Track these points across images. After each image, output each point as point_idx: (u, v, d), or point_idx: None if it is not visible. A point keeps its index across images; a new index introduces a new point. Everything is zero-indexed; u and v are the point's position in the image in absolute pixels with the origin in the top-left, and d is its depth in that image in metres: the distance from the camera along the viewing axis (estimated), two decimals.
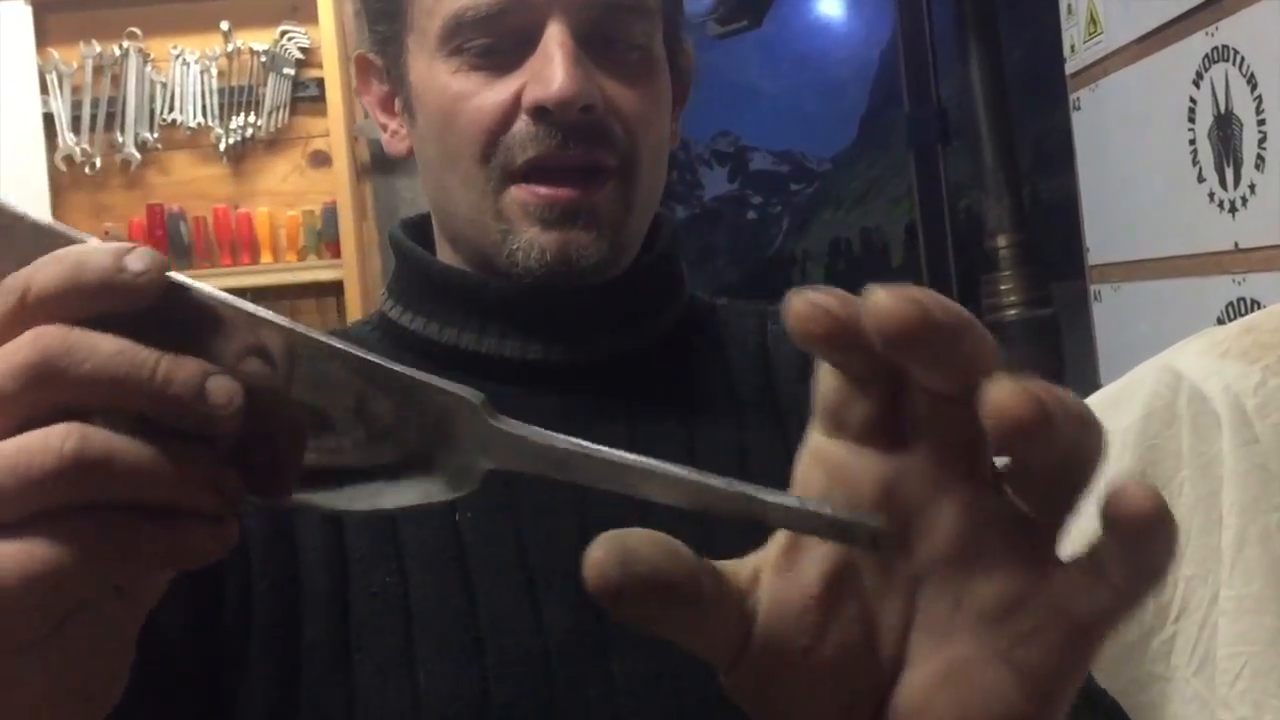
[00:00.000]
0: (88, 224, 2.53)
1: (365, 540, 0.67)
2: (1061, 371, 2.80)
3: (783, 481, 0.68)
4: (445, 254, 0.76)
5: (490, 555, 0.67)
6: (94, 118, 2.52)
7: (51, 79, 2.50)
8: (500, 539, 0.67)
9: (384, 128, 0.77)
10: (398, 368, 0.36)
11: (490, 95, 0.67)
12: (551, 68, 0.65)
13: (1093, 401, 1.16)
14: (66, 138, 2.51)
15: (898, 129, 4.94)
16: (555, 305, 0.71)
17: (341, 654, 0.64)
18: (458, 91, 0.68)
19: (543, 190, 0.67)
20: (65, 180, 2.54)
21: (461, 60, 0.68)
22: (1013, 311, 2.78)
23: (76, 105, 2.52)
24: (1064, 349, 2.82)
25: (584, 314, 0.72)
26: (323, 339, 0.34)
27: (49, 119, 2.50)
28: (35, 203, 2.47)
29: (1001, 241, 2.81)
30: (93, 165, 2.53)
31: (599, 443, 0.64)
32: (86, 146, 2.52)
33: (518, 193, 0.68)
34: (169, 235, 2.54)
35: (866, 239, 5.19)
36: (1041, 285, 2.83)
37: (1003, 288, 2.78)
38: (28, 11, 2.46)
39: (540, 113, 0.66)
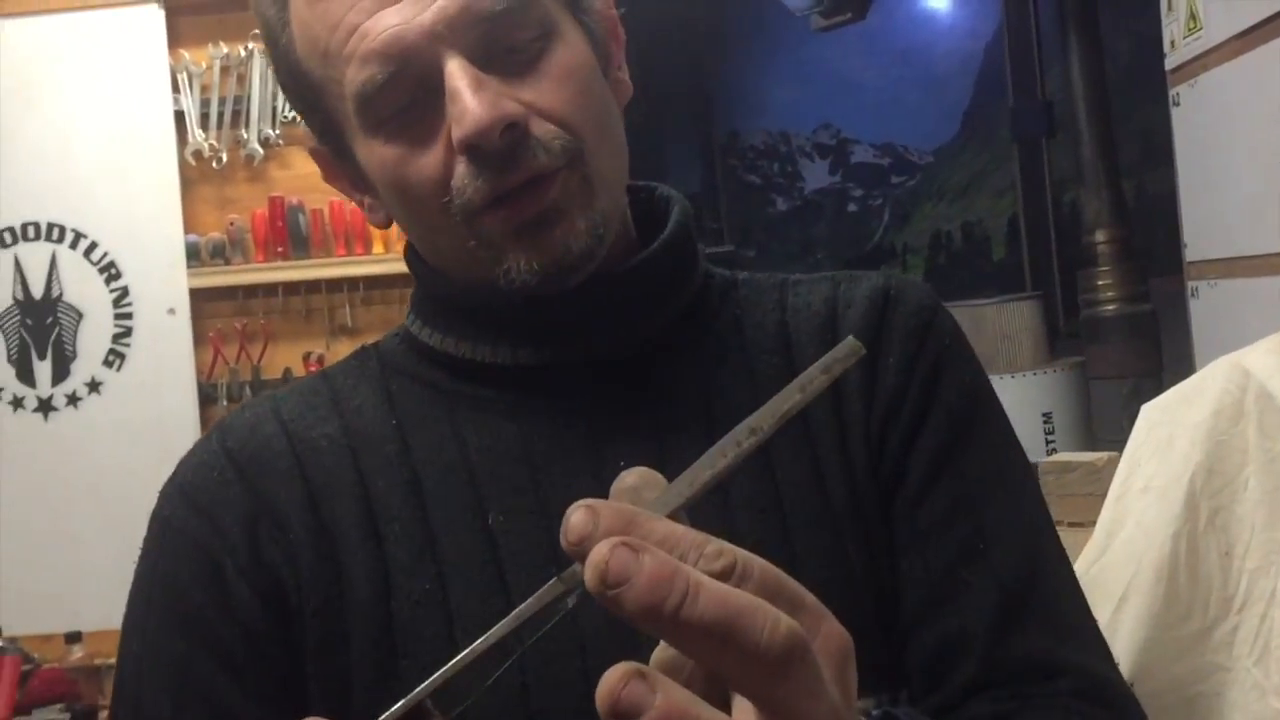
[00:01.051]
0: (213, 215, 2.69)
1: (405, 551, 0.69)
2: (1160, 367, 2.78)
3: (797, 458, 0.72)
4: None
5: (523, 556, 0.69)
6: (221, 115, 2.67)
7: (182, 79, 2.65)
8: (532, 537, 0.69)
9: (360, 204, 0.78)
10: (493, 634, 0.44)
11: (425, 152, 0.68)
12: (461, 103, 0.65)
13: (1167, 397, 1.19)
14: (195, 134, 2.66)
15: (1001, 122, 4.88)
16: (563, 309, 0.71)
17: (389, 661, 0.67)
18: (396, 159, 0.68)
19: (506, 214, 0.67)
20: (194, 174, 2.68)
21: (388, 130, 0.68)
22: (1110, 307, 2.77)
23: (205, 103, 2.66)
24: (1162, 345, 2.80)
25: (593, 313, 0.72)
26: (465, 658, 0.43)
27: (179, 116, 2.65)
28: (166, 194, 2.63)
29: (1100, 237, 2.80)
30: (219, 160, 2.67)
31: (627, 436, 0.70)
32: (214, 142, 2.67)
33: (489, 220, 0.68)
34: (288, 226, 2.68)
35: (968, 232, 5.14)
36: (1140, 281, 2.81)
37: (1100, 283, 2.77)
38: (161, 15, 2.62)
39: (470, 149, 0.66)
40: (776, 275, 0.82)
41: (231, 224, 2.68)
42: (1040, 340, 3.38)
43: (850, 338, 0.44)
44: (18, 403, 2.60)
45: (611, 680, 0.36)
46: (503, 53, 0.67)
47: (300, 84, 0.72)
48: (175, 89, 2.64)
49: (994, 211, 4.96)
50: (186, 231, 2.65)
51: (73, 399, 2.61)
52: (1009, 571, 0.70)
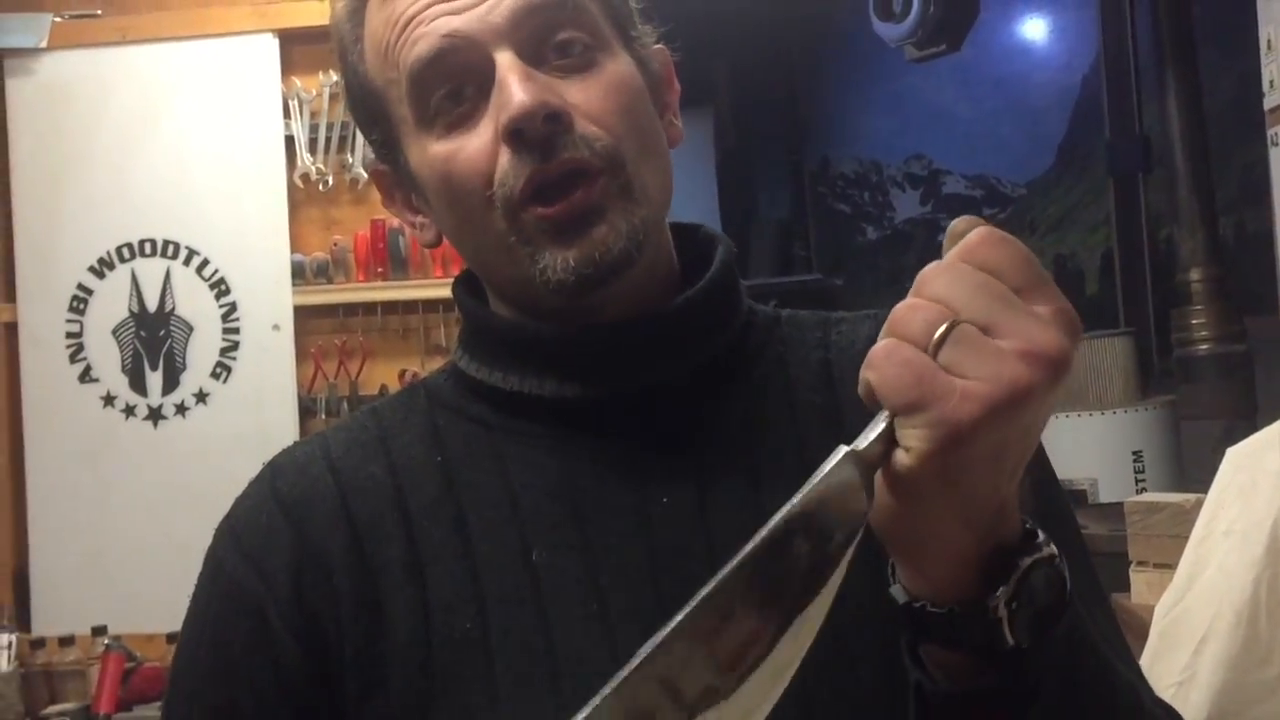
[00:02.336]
0: (319, 236, 2.79)
1: (448, 589, 0.70)
2: (1254, 409, 2.73)
3: None
4: (496, 305, 0.78)
5: (565, 592, 0.69)
6: (328, 140, 2.77)
7: (293, 105, 2.76)
8: (574, 575, 0.69)
9: (412, 225, 0.80)
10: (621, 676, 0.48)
11: (471, 143, 0.70)
12: (508, 90, 0.67)
13: (1252, 442, 1.20)
14: (304, 158, 2.76)
15: (1097, 156, 4.83)
16: (607, 342, 0.73)
17: (426, 699, 0.68)
18: (447, 154, 0.71)
19: (548, 210, 0.69)
20: (300, 196, 2.79)
21: (439, 125, 0.71)
22: (1204, 347, 2.73)
23: (314, 129, 2.77)
24: (1257, 386, 2.75)
25: (637, 347, 0.73)
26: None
27: (289, 141, 2.76)
28: (274, 215, 2.74)
29: (1194, 275, 2.77)
30: (325, 183, 2.77)
31: (669, 474, 0.73)
32: (321, 166, 2.77)
33: (529, 216, 0.69)
34: (389, 248, 2.77)
35: (1061, 265, 5.08)
36: (1235, 320, 2.77)
37: (1194, 322, 2.74)
38: (275, 44, 2.73)
39: (514, 135, 0.68)
40: (819, 313, 0.83)
41: (335, 244, 2.78)
42: (1132, 377, 3.34)
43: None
44: (130, 411, 2.72)
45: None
46: (553, 54, 0.70)
47: (366, 95, 0.75)
48: (286, 114, 2.75)
49: (1087, 245, 4.90)
50: (292, 251, 2.75)
51: (181, 409, 2.72)
52: None
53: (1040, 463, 0.78)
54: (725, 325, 0.77)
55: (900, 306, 0.51)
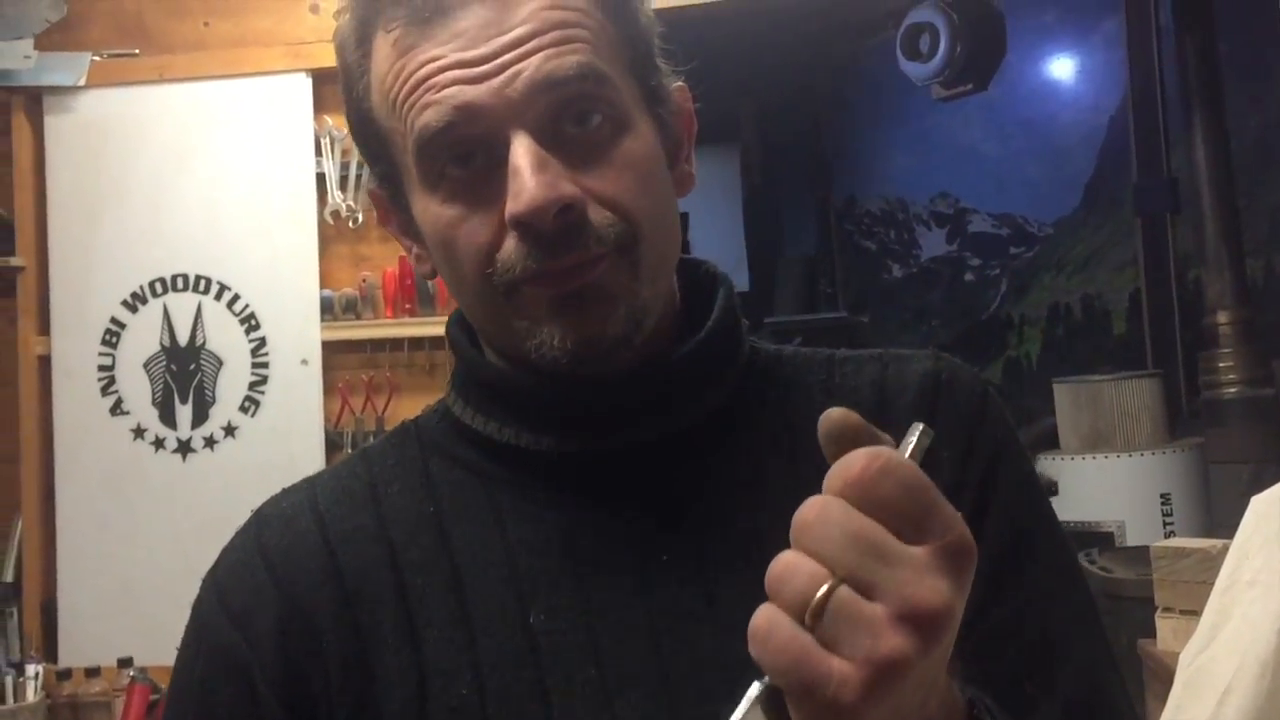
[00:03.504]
0: (348, 272, 2.82)
1: (445, 655, 0.68)
2: None
3: None
4: (489, 351, 0.77)
5: (564, 656, 0.67)
6: (359, 178, 2.80)
7: (325, 142, 2.79)
8: (573, 639, 0.68)
9: (409, 250, 0.77)
10: None
11: (478, 219, 0.68)
12: (520, 180, 0.65)
13: (1277, 489, 1.19)
14: (335, 195, 2.79)
15: (1124, 196, 4.82)
16: (606, 396, 0.71)
17: None
18: (449, 220, 0.69)
19: (548, 283, 0.67)
20: (331, 232, 2.82)
21: (445, 188, 0.69)
22: (1232, 390, 2.72)
23: (345, 166, 2.80)
24: None
25: (636, 401, 0.71)
26: None
27: (321, 178, 2.79)
28: (305, 251, 2.77)
29: (1222, 318, 2.76)
30: (355, 220, 2.80)
31: (669, 531, 0.72)
32: (351, 203, 2.80)
33: (528, 290, 0.68)
34: (416, 285, 2.79)
35: (1088, 305, 5.06)
36: (1263, 364, 2.76)
37: (1221, 365, 2.73)
38: (308, 83, 2.77)
39: (522, 226, 0.66)
40: (823, 351, 0.80)
41: (364, 281, 2.81)
42: (1160, 419, 3.32)
43: (919, 425, 0.50)
44: (159, 443, 2.75)
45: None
46: (571, 134, 0.67)
47: (369, 131, 0.73)
48: (318, 152, 2.78)
49: (1114, 286, 4.89)
50: (322, 287, 2.78)
51: (210, 442, 2.75)
52: (1073, 686, 0.69)
53: (1017, 456, 0.76)
54: (725, 374, 0.75)
55: (780, 563, 0.48)
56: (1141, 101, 4.58)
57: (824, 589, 0.47)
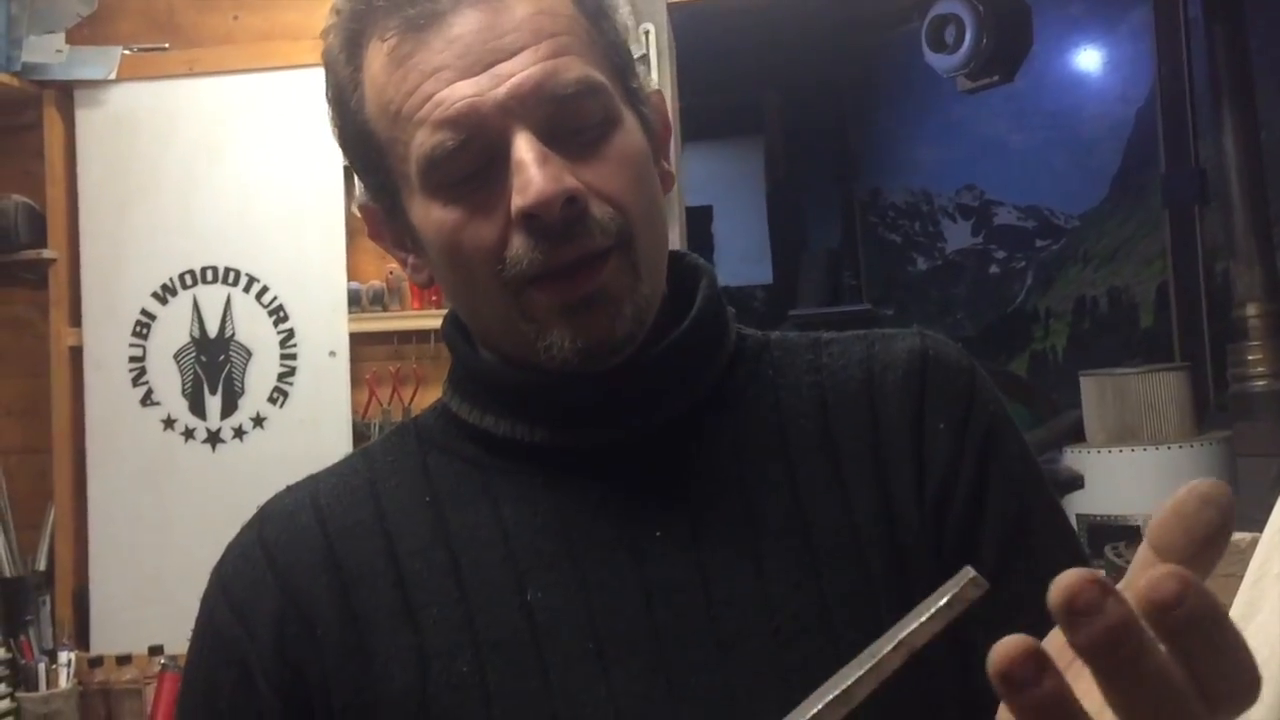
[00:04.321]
0: (375, 264, 2.83)
1: (442, 634, 0.70)
2: None
3: (835, 523, 0.72)
4: (483, 349, 0.78)
5: (560, 631, 0.69)
6: None
7: None
8: (569, 614, 0.70)
9: (403, 262, 0.79)
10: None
11: (484, 218, 0.69)
12: (526, 174, 0.67)
13: None
14: (360, 190, 2.80)
15: (1152, 188, 4.79)
16: (598, 391, 0.73)
17: None
18: (454, 223, 0.70)
19: (557, 291, 0.69)
20: (358, 224, 2.82)
21: (448, 194, 0.70)
22: (1260, 383, 2.71)
23: None
24: None
25: (627, 394, 0.73)
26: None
27: (348, 171, 2.80)
28: (332, 244, 2.79)
29: (1251, 310, 2.75)
30: None
31: (662, 510, 0.72)
32: None
33: (536, 294, 0.70)
34: None
35: (1115, 298, 5.03)
36: None
37: (1250, 358, 2.72)
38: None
39: (529, 220, 0.67)
40: (809, 334, 0.82)
41: (390, 273, 2.82)
42: (1187, 412, 3.30)
43: (969, 571, 0.43)
44: (189, 434, 2.78)
45: (1069, 580, 0.36)
46: (567, 134, 0.69)
47: (364, 142, 0.73)
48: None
49: (1142, 278, 4.86)
50: (349, 279, 2.79)
51: (239, 432, 2.77)
52: None
53: (1010, 428, 0.77)
54: (712, 363, 0.77)
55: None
56: (1169, 93, 4.55)
57: None
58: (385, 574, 0.72)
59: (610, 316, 0.70)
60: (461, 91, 0.68)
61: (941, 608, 0.43)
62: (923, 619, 0.43)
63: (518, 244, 0.69)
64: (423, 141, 0.69)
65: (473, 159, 0.69)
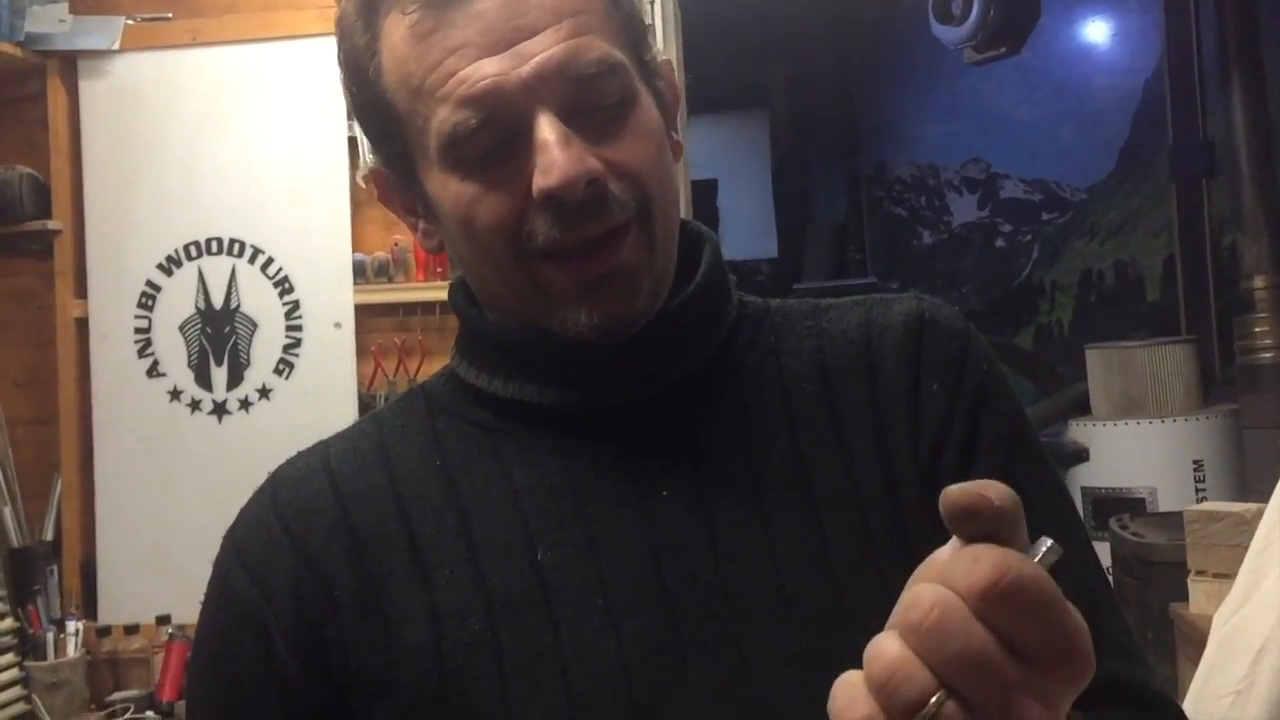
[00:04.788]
0: (381, 236, 2.83)
1: (455, 593, 0.71)
2: None
3: (837, 482, 0.74)
4: (490, 313, 0.79)
5: (571, 589, 0.70)
6: None
7: None
8: (579, 572, 0.71)
9: (414, 227, 0.79)
10: None
11: (502, 193, 0.70)
12: (550, 156, 0.68)
13: None
14: (366, 159, 2.79)
15: (1160, 161, 4.77)
16: (605, 354, 0.74)
17: (439, 701, 0.69)
18: (471, 197, 0.71)
19: (573, 267, 0.70)
20: (363, 196, 2.83)
21: (467, 169, 0.71)
22: (1267, 355, 2.70)
23: None
24: None
25: (633, 358, 0.74)
26: None
27: (353, 142, 2.79)
28: (337, 215, 2.78)
29: (1259, 283, 2.74)
30: None
31: (669, 470, 0.74)
32: None
33: (551, 272, 0.71)
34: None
35: (1121, 271, 5.02)
36: None
37: (1257, 330, 2.71)
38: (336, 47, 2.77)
39: (550, 200, 0.68)
40: (809, 300, 0.83)
41: (395, 244, 2.82)
42: (1193, 385, 3.30)
43: (1046, 540, 0.47)
44: (195, 405, 2.78)
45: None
46: (587, 113, 0.70)
47: (380, 111, 0.74)
48: (350, 116, 2.77)
49: (1148, 252, 4.84)
50: (354, 250, 2.79)
51: (244, 404, 2.78)
52: (1071, 598, 0.71)
53: (1002, 390, 0.78)
54: (716, 326, 0.79)
55: (886, 658, 0.45)
56: (1178, 65, 4.53)
57: (933, 702, 0.44)
58: (398, 536, 0.73)
59: (628, 293, 0.72)
60: (485, 70, 0.68)
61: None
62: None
63: (536, 221, 0.70)
64: (445, 118, 0.69)
65: (494, 137, 0.69)
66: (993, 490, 0.46)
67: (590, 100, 0.70)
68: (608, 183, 0.70)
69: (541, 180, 0.68)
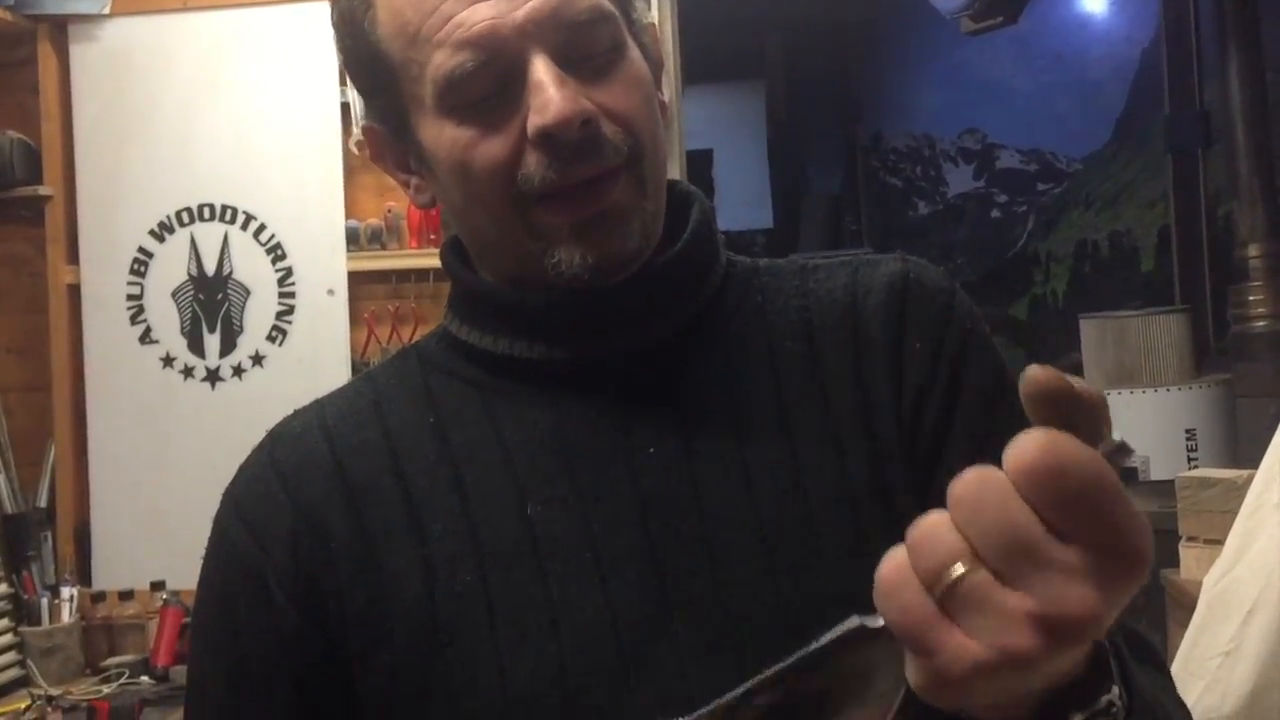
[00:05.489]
0: (373, 203, 2.82)
1: (448, 546, 0.73)
2: None
3: (820, 438, 0.76)
4: (482, 270, 0.81)
5: (560, 542, 0.72)
6: None
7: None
8: (568, 526, 0.73)
9: (405, 184, 0.81)
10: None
11: (497, 136, 0.71)
12: (545, 95, 0.69)
13: None
14: (360, 125, 2.79)
15: (1156, 131, 4.76)
16: (594, 307, 0.75)
17: (432, 651, 0.71)
18: (467, 140, 0.72)
19: (567, 209, 0.72)
20: (356, 162, 2.82)
21: (462, 114, 0.72)
22: (1261, 324, 2.70)
23: None
24: None
25: (622, 310, 0.76)
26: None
27: (345, 108, 2.78)
28: (330, 182, 2.77)
29: (1253, 251, 2.74)
30: None
31: (656, 426, 0.76)
32: None
33: (545, 215, 0.72)
34: (441, 215, 2.80)
35: (1116, 242, 5.02)
36: None
37: (1251, 299, 2.71)
38: (329, 10, 2.75)
39: (545, 139, 0.70)
40: (797, 261, 0.85)
41: (389, 211, 2.81)
42: (1186, 355, 3.30)
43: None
44: (188, 372, 2.78)
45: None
46: (579, 59, 0.72)
47: (375, 62, 0.75)
48: (343, 82, 2.75)
49: (1144, 222, 4.84)
50: (347, 217, 2.78)
51: (238, 370, 2.77)
52: None
53: (986, 348, 0.79)
54: (704, 283, 0.80)
55: (926, 524, 0.46)
56: (1174, 35, 4.51)
57: (960, 570, 0.45)
58: (393, 490, 0.75)
59: (621, 233, 0.73)
60: (482, 13, 0.70)
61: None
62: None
63: (532, 162, 0.71)
64: (441, 62, 0.71)
65: (490, 80, 0.71)
66: (1077, 380, 0.46)
67: (582, 47, 0.72)
68: (601, 125, 0.71)
69: (537, 119, 0.69)
